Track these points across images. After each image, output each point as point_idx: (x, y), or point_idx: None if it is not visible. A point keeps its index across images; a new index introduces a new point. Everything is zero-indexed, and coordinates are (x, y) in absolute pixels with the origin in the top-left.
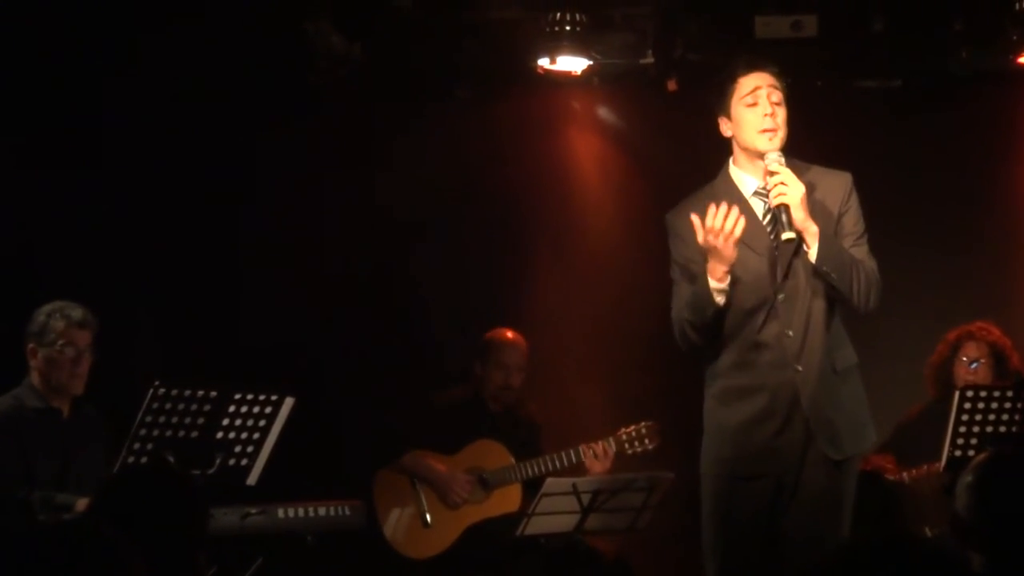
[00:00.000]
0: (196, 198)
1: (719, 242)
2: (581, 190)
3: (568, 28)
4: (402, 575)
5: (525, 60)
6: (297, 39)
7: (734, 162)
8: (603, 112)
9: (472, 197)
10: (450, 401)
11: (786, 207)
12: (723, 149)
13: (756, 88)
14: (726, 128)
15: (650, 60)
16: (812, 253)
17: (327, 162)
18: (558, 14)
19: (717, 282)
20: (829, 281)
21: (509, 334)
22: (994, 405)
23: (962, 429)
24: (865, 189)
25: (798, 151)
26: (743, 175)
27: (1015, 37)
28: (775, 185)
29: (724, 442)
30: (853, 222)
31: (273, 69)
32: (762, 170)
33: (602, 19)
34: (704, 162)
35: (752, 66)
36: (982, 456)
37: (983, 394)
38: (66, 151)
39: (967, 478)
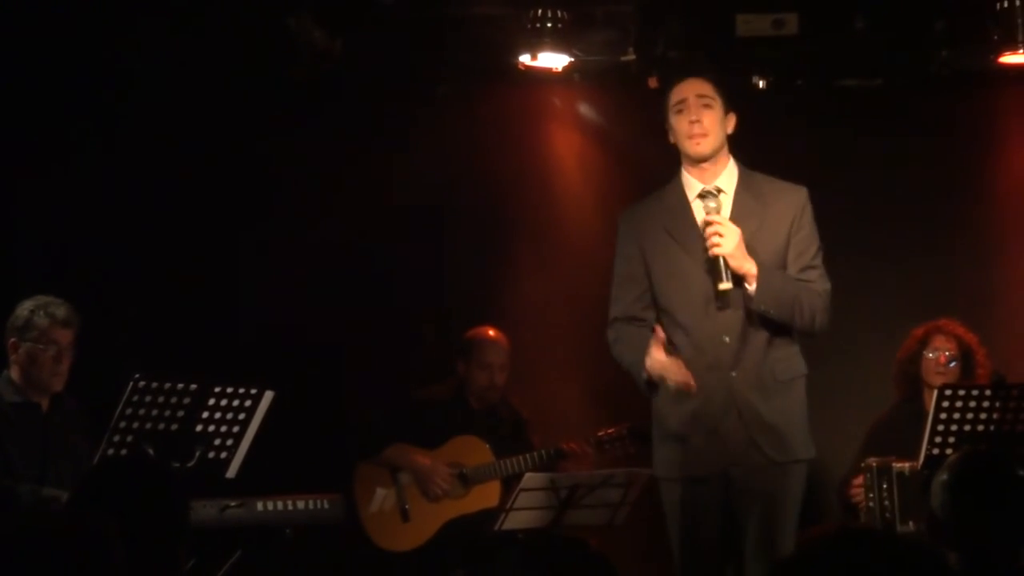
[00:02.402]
0: (182, 191)
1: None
2: (562, 187)
3: (550, 25)
4: (381, 568)
5: (506, 56)
6: (278, 34)
7: (683, 166)
8: (584, 109)
9: (453, 193)
10: (432, 397)
11: (721, 259)
12: None
13: (683, 97)
14: (671, 136)
15: (631, 57)
16: (751, 291)
17: (308, 158)
18: (540, 10)
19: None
20: (768, 317)
21: (491, 332)
22: (972, 404)
23: (940, 427)
24: (844, 188)
25: (778, 149)
26: (690, 178)
27: (996, 37)
28: (710, 235)
29: (666, 444)
30: (806, 243)
31: (254, 64)
32: (705, 172)
33: (584, 16)
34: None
35: (683, 76)
36: (958, 454)
37: (961, 392)
38: (51, 144)
39: (942, 476)
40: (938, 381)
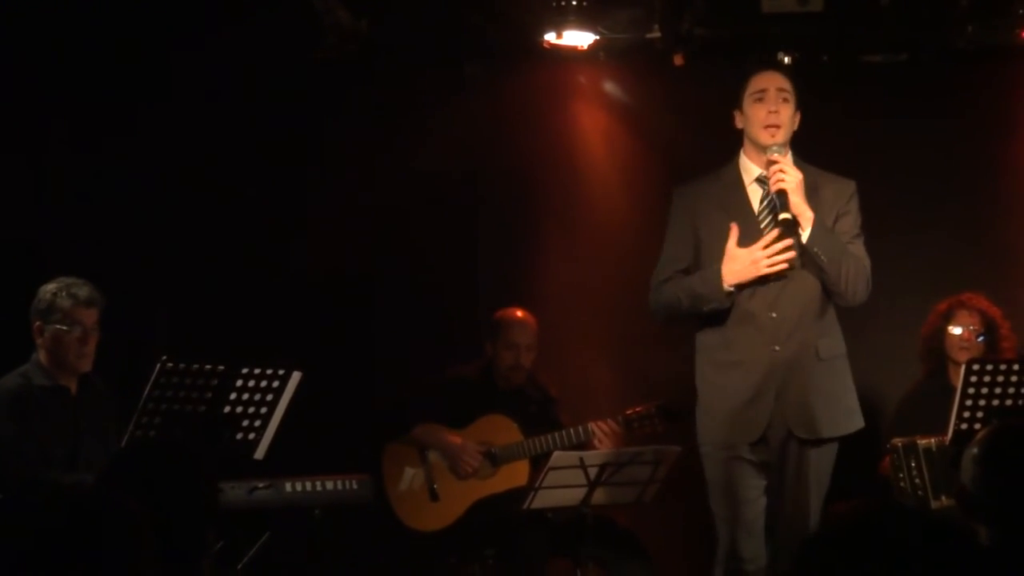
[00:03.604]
0: (207, 175)
1: (762, 260)
2: (588, 165)
3: (575, 2)
4: (410, 548)
5: (532, 35)
6: (304, 15)
7: (743, 151)
8: (609, 87)
9: (479, 172)
10: (460, 376)
11: (784, 192)
12: (725, 124)
13: (764, 87)
14: (739, 121)
15: (657, 34)
16: (805, 235)
17: (334, 138)
18: None
19: (729, 287)
20: (819, 264)
21: (519, 313)
22: (1000, 378)
23: (968, 402)
24: (870, 163)
25: (802, 124)
26: (749, 163)
27: (1021, 12)
28: (775, 172)
29: (706, 414)
30: (850, 224)
31: (280, 45)
32: (765, 161)
33: None
34: (710, 136)
35: (764, 66)
36: (989, 428)
37: (990, 367)
38: (76, 131)
39: (973, 450)
40: (962, 356)
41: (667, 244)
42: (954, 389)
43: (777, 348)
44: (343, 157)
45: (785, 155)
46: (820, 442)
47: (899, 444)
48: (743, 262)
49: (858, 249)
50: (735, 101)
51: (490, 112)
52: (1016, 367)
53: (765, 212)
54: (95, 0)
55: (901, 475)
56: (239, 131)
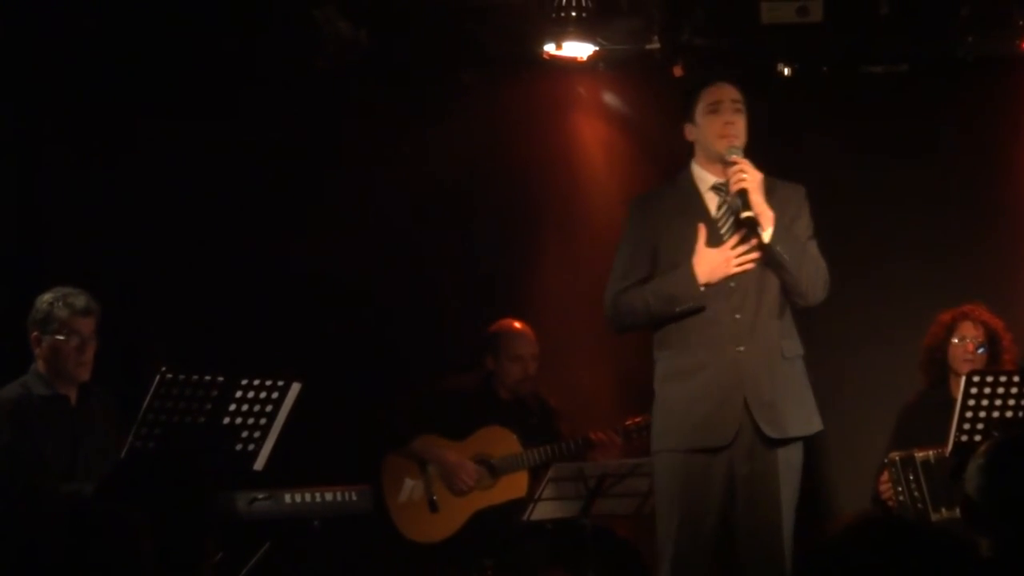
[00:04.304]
0: (204, 183)
1: (732, 259)
2: (587, 176)
3: (574, 13)
4: (409, 559)
5: (531, 45)
6: (304, 25)
7: (695, 161)
8: (609, 98)
9: (478, 183)
10: (460, 387)
11: (746, 191)
12: None
13: (719, 99)
14: (690, 133)
15: (656, 45)
16: (767, 234)
17: (333, 148)
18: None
19: (703, 285)
20: (781, 263)
21: (517, 325)
22: (1000, 390)
23: (968, 414)
24: (869, 174)
25: (802, 135)
26: (703, 173)
27: (1022, 22)
28: (736, 172)
29: (670, 418)
30: (805, 226)
31: (279, 55)
32: (719, 170)
33: (608, 4)
34: None
35: (716, 78)
36: (995, 439)
37: (990, 379)
38: (74, 139)
39: (979, 460)
40: (965, 368)
41: (624, 255)
42: (955, 401)
43: (741, 349)
44: (342, 167)
45: (742, 153)
46: (787, 441)
47: (896, 458)
48: (715, 260)
49: (814, 250)
50: (686, 114)
51: (490, 123)
52: (1016, 379)
53: (724, 217)
54: (97, 8)
55: (900, 488)
56: (238, 141)
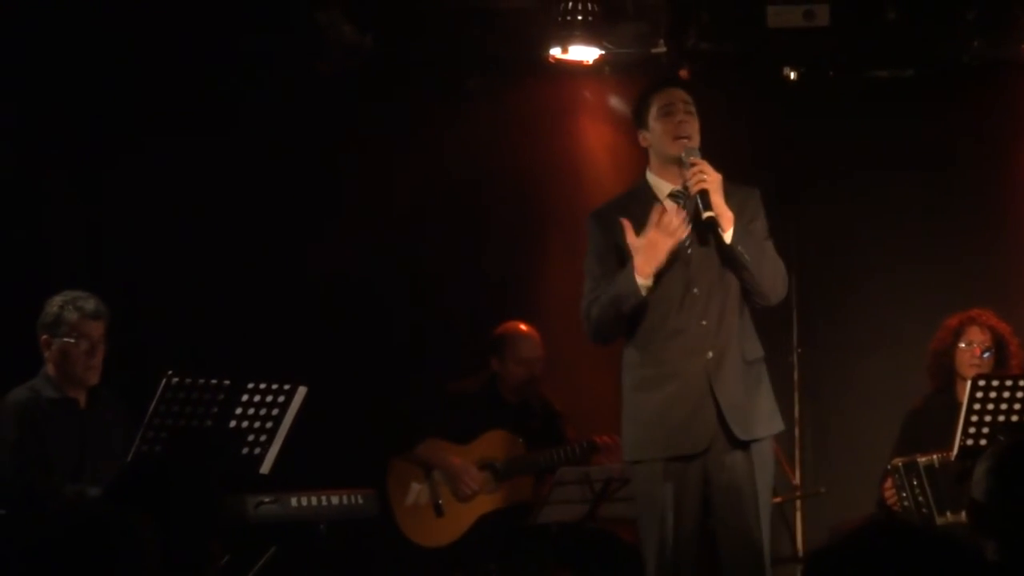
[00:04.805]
0: (210, 187)
1: (662, 239)
2: (592, 179)
3: (580, 17)
4: (415, 563)
5: (537, 49)
6: (308, 29)
7: (650, 169)
8: (615, 102)
9: (483, 186)
10: (465, 391)
11: (706, 192)
12: (730, 139)
13: (670, 101)
14: (644, 140)
15: (662, 49)
16: (728, 235)
17: (338, 153)
18: (570, 3)
19: (644, 279)
20: (742, 263)
21: (522, 327)
22: (1006, 394)
23: (974, 418)
24: (876, 179)
25: (809, 140)
26: (659, 181)
27: None
28: (695, 172)
29: (643, 428)
30: (761, 227)
31: (284, 60)
32: (676, 175)
33: (614, 8)
34: (715, 151)
35: (665, 84)
36: (1003, 442)
37: (995, 383)
38: (82, 142)
39: (986, 463)
40: (971, 373)
41: (592, 268)
42: (961, 405)
43: (710, 355)
44: (347, 172)
45: (698, 154)
46: (757, 441)
47: (899, 464)
48: (643, 249)
49: (771, 250)
50: (639, 121)
51: (495, 126)
52: (1022, 383)
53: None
54: (103, 14)
55: (904, 494)
56: (243, 145)
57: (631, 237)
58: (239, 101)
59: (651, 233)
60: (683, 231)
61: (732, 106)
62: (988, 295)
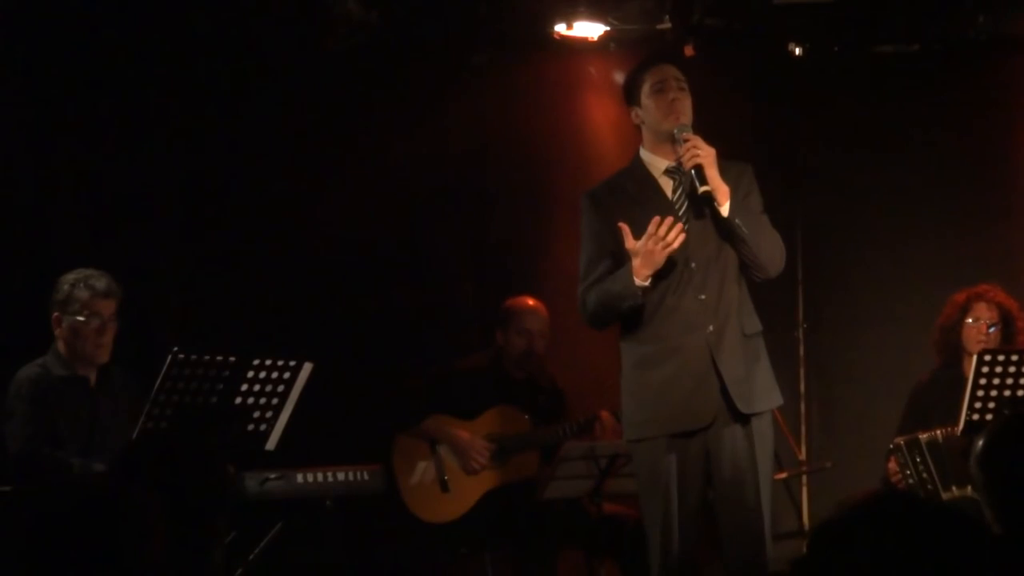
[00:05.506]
0: (216, 165)
1: (658, 250)
2: (598, 155)
3: None
4: (421, 539)
5: (542, 26)
6: (314, 5)
7: (643, 147)
8: (620, 78)
9: (489, 163)
10: (470, 366)
11: (701, 167)
12: (736, 115)
13: (662, 78)
14: (636, 117)
15: (667, 25)
16: (725, 209)
17: (345, 129)
18: None
19: (642, 281)
20: (740, 236)
21: (530, 301)
22: (1012, 369)
23: (980, 393)
24: (882, 154)
25: (813, 115)
26: (653, 158)
27: None
28: (689, 148)
29: (645, 406)
30: (756, 201)
31: (289, 35)
32: (670, 152)
33: None
34: (720, 126)
35: (657, 60)
36: (998, 418)
37: (1001, 358)
38: (87, 123)
39: (983, 439)
40: (978, 348)
41: (587, 249)
42: (967, 380)
43: (711, 328)
44: (352, 149)
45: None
46: (757, 415)
47: (902, 442)
48: (641, 255)
49: (768, 223)
50: (631, 99)
51: (500, 103)
52: None
53: (680, 200)
54: None
55: (908, 472)
56: (249, 121)
57: (629, 241)
58: (246, 77)
59: (648, 244)
60: (679, 242)
61: (737, 82)
62: (994, 271)
